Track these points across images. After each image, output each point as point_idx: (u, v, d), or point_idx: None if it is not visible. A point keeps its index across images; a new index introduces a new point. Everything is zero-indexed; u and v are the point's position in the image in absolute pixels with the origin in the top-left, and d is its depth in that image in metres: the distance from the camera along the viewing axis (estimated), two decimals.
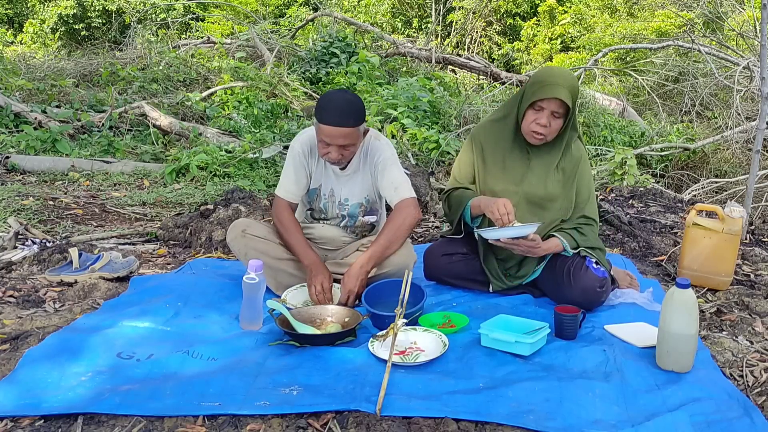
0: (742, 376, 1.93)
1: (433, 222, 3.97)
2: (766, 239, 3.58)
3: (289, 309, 2.18)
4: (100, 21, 14.84)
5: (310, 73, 8.49)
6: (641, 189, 4.60)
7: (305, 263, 2.42)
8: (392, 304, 2.28)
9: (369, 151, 2.52)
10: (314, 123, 2.37)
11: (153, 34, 11.67)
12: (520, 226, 2.25)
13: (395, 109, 6.17)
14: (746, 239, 3.47)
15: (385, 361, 1.87)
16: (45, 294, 2.52)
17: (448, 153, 5.26)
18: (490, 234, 2.29)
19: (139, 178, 4.89)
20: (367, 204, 2.58)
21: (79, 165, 4.93)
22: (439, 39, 13.23)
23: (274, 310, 2.11)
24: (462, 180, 2.56)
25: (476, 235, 2.53)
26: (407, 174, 2.58)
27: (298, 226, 2.51)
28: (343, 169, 2.52)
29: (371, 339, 1.99)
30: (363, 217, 2.60)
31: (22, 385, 1.71)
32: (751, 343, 2.18)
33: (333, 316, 2.22)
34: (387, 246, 2.36)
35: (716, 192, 5.59)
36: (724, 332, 2.29)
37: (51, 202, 3.87)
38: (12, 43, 14.21)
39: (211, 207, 3.51)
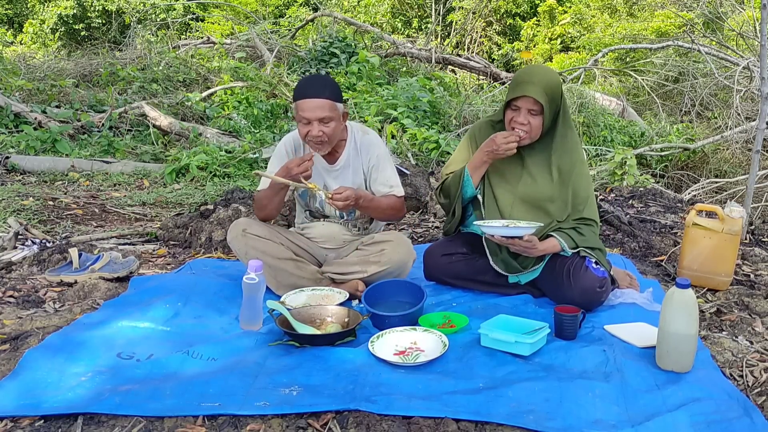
0: (742, 376, 1.93)
1: (433, 222, 3.97)
2: (766, 239, 3.58)
3: (288, 309, 2.18)
4: (100, 21, 14.84)
5: (310, 73, 8.49)
6: (641, 189, 4.60)
7: (279, 173, 2.37)
8: (392, 304, 2.29)
9: (361, 146, 2.55)
10: (293, 111, 2.41)
11: (153, 35, 11.68)
12: (516, 227, 2.25)
13: (395, 109, 6.17)
14: (746, 239, 3.47)
15: (384, 361, 1.88)
16: (45, 294, 2.52)
17: (448, 153, 5.26)
18: (488, 229, 2.30)
19: (139, 179, 4.89)
20: None
21: (79, 165, 4.94)
22: (439, 39, 13.22)
23: (274, 310, 2.11)
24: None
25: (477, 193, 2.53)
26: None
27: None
28: (332, 163, 2.54)
29: (371, 339, 1.99)
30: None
31: (22, 385, 1.71)
32: (751, 343, 2.18)
33: (333, 317, 2.22)
34: (374, 201, 2.45)
35: (716, 192, 5.59)
36: (724, 332, 2.28)
37: (51, 202, 3.87)
38: (12, 43, 14.22)
39: (211, 207, 3.51)
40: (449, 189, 2.53)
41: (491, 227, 2.28)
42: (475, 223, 2.39)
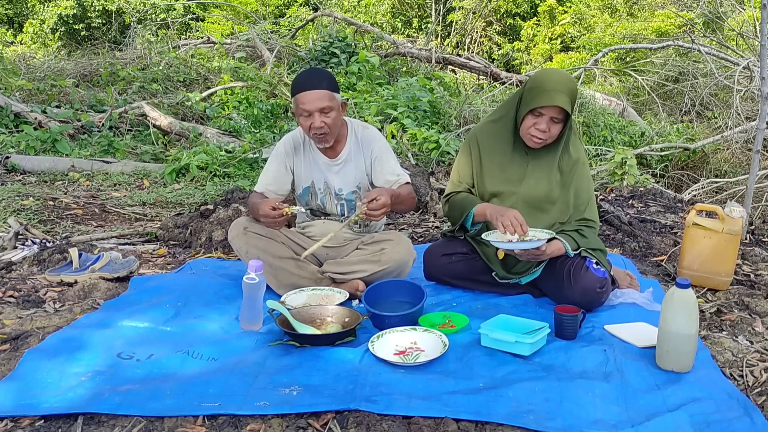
0: (742, 376, 1.93)
1: (433, 222, 3.97)
2: (766, 239, 3.58)
3: (288, 309, 2.18)
4: (100, 21, 14.84)
5: None
6: (641, 189, 4.60)
7: (260, 208, 2.34)
8: (392, 304, 2.29)
9: (361, 139, 2.56)
10: (293, 106, 2.42)
11: (153, 34, 11.69)
12: (531, 241, 2.21)
13: (395, 109, 6.17)
14: (746, 239, 3.47)
15: (384, 361, 1.88)
16: (45, 294, 2.52)
17: (448, 153, 5.26)
18: (500, 244, 2.25)
19: (139, 178, 4.89)
20: (359, 191, 2.60)
21: (79, 165, 4.94)
22: (439, 39, 13.23)
23: (274, 310, 2.11)
24: (462, 182, 2.55)
25: (474, 231, 2.53)
26: (407, 173, 2.61)
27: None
28: (333, 158, 2.54)
29: (371, 339, 1.99)
30: (360, 202, 2.61)
31: (22, 385, 1.71)
32: (751, 343, 2.18)
33: (333, 316, 2.22)
34: (401, 195, 2.42)
35: (716, 192, 5.58)
36: (724, 332, 2.28)
37: (51, 202, 3.87)
38: (12, 43, 14.22)
39: (211, 207, 3.51)
40: (453, 211, 2.54)
41: (505, 243, 2.23)
42: (484, 236, 2.36)
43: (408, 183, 2.53)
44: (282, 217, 2.31)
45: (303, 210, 2.44)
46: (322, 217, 2.65)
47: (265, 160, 5.14)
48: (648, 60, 9.98)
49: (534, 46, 13.73)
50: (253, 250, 2.43)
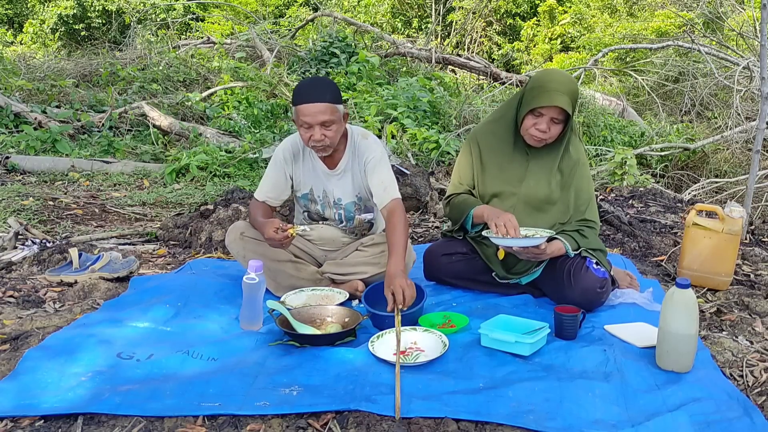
0: (742, 376, 1.93)
1: (433, 222, 3.97)
2: (766, 239, 3.58)
3: (288, 309, 2.18)
4: (100, 21, 14.84)
5: (310, 73, 8.49)
6: (641, 189, 4.60)
7: (264, 230, 2.33)
8: None
9: (358, 149, 2.51)
10: (293, 114, 2.37)
11: (153, 35, 11.69)
12: (530, 238, 2.22)
13: (395, 109, 6.17)
14: (746, 239, 3.47)
15: (384, 361, 1.88)
16: (45, 294, 2.52)
17: (448, 153, 5.26)
18: (500, 241, 2.26)
19: (139, 179, 4.89)
20: (359, 202, 2.58)
21: (79, 165, 4.93)
22: (439, 39, 13.23)
23: (274, 310, 2.11)
24: (462, 183, 2.55)
25: (473, 233, 2.53)
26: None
27: (266, 215, 2.51)
28: (332, 168, 2.52)
29: (371, 339, 1.99)
30: (360, 215, 2.60)
31: (22, 385, 1.71)
32: (751, 343, 2.18)
33: (333, 316, 2.22)
34: (405, 244, 2.30)
35: (716, 192, 5.59)
36: (724, 332, 2.28)
37: (51, 202, 3.87)
38: (12, 43, 14.22)
39: (211, 207, 3.51)
40: (454, 211, 2.53)
41: (504, 239, 2.23)
42: (485, 233, 2.35)
43: (396, 199, 2.39)
44: (287, 239, 2.29)
45: (308, 229, 2.43)
46: (320, 222, 2.65)
47: (265, 160, 5.17)
48: (648, 60, 9.99)
49: (534, 46, 13.73)
50: (250, 255, 2.41)
